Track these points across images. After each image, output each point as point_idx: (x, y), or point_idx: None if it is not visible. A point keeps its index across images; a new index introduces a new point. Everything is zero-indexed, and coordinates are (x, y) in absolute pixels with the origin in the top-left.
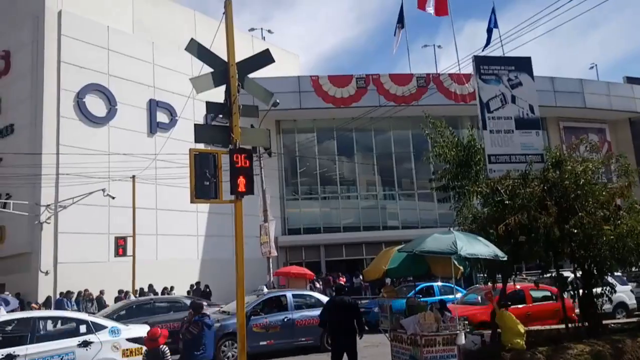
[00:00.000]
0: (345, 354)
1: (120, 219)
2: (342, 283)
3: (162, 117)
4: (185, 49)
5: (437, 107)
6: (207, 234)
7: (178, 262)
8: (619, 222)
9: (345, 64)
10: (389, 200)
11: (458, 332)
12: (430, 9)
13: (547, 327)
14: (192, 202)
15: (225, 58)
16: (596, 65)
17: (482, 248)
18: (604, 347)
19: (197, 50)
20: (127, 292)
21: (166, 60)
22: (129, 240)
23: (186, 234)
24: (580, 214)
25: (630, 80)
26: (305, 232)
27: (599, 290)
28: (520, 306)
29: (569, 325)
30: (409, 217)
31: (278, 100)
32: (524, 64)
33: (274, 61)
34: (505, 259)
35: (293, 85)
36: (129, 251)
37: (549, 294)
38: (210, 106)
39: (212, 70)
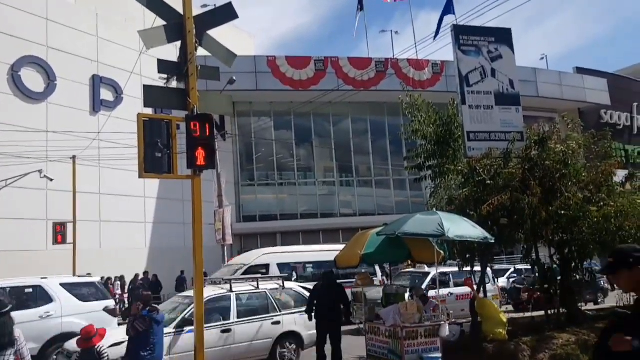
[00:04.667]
0: (329, 338)
1: (59, 204)
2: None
3: (106, 94)
4: None
5: (396, 93)
6: (155, 220)
7: (124, 251)
8: (602, 204)
9: (299, 50)
10: (347, 187)
11: (442, 322)
12: None
13: (527, 314)
14: (140, 176)
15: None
16: (546, 55)
17: (470, 230)
18: (589, 336)
19: None
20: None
21: (111, 34)
22: (69, 227)
23: (133, 220)
24: (567, 194)
25: (580, 70)
26: (261, 219)
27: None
28: None
29: (549, 312)
30: (366, 204)
31: (234, 78)
32: (504, 36)
33: (237, 17)
34: (494, 241)
35: (249, 65)
36: (69, 238)
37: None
38: (163, 65)
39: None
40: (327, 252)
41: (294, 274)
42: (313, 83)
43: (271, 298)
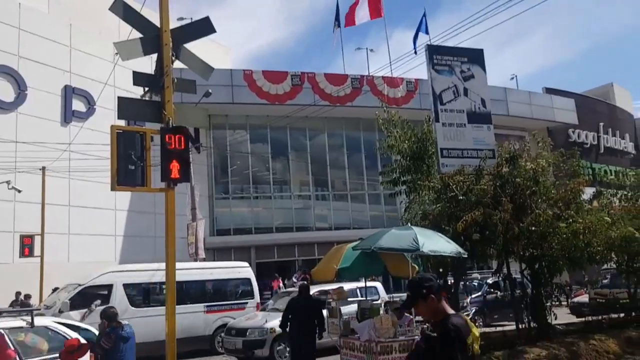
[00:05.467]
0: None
1: (27, 216)
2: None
3: (78, 105)
4: (110, 9)
5: (371, 109)
6: (126, 234)
7: (93, 264)
8: (570, 220)
9: (274, 65)
10: (322, 201)
11: (416, 337)
12: (365, 15)
13: (498, 329)
14: (113, 189)
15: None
16: (516, 76)
17: (444, 244)
18: (559, 350)
19: (123, 11)
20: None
21: (85, 45)
22: (37, 240)
23: (103, 233)
24: (537, 211)
25: (549, 90)
26: (236, 232)
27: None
28: None
29: (520, 326)
30: (341, 218)
31: (210, 91)
32: (476, 56)
33: (214, 31)
34: (466, 256)
35: (225, 78)
36: (37, 251)
37: None
38: (138, 77)
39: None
40: (192, 270)
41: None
42: (289, 97)
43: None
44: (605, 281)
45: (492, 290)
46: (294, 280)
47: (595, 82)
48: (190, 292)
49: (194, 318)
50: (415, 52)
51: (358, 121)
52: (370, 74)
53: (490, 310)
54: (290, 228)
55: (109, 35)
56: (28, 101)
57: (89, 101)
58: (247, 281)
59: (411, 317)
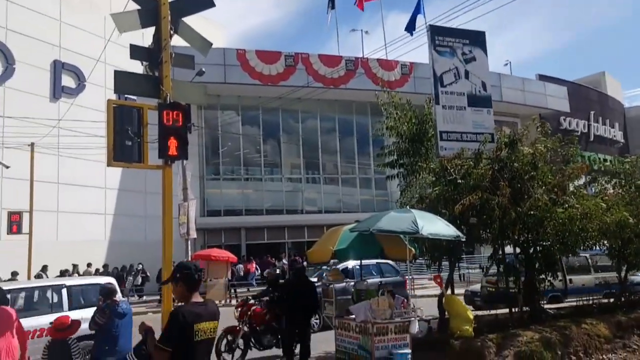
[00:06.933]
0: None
1: (15, 193)
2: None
3: (67, 80)
4: None
5: (364, 92)
6: (116, 212)
7: (82, 243)
8: (567, 205)
9: (266, 46)
10: (313, 184)
11: (412, 319)
12: None
13: (492, 312)
14: (109, 164)
15: None
16: (510, 62)
17: (443, 228)
18: (551, 333)
19: None
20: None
21: (76, 19)
22: (25, 217)
23: (92, 212)
24: (535, 195)
25: (542, 77)
26: (226, 214)
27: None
28: None
29: (512, 310)
30: (331, 202)
31: (204, 69)
32: (478, 38)
33: (214, 5)
34: (465, 239)
35: (218, 57)
36: (25, 229)
37: None
38: (136, 51)
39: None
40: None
41: None
42: (282, 78)
43: None
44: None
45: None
46: (284, 262)
47: (588, 70)
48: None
49: None
50: (411, 34)
51: (351, 104)
52: (365, 56)
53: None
54: (280, 210)
55: (99, 10)
56: (16, 75)
57: (79, 77)
58: None
59: (403, 298)
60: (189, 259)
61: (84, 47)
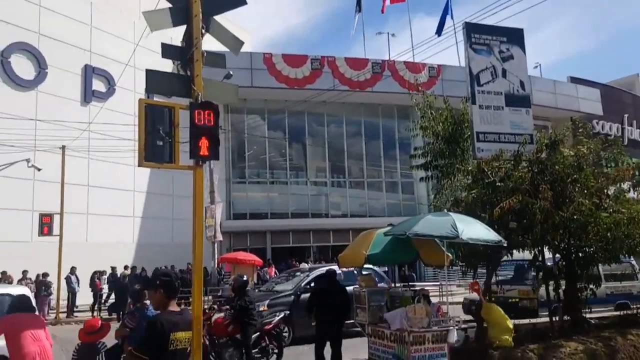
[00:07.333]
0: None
1: (46, 195)
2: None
3: (98, 85)
4: None
5: (391, 95)
6: (144, 215)
7: (111, 245)
8: (611, 210)
9: (291, 51)
10: (338, 188)
11: (450, 328)
12: None
13: (529, 320)
14: (140, 165)
15: None
16: (540, 64)
17: (483, 232)
18: (596, 345)
19: None
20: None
21: (106, 24)
22: (56, 219)
23: (121, 214)
24: (579, 199)
25: (574, 80)
26: (251, 217)
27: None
28: None
29: (553, 319)
30: (357, 206)
31: (231, 72)
32: (516, 36)
33: (245, 3)
34: (506, 245)
35: (245, 61)
36: (55, 230)
37: None
38: (167, 50)
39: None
40: None
41: None
42: (308, 82)
43: None
44: (509, 275)
45: None
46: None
47: (621, 72)
48: None
49: None
50: (439, 34)
51: (377, 107)
52: (392, 59)
53: None
54: (305, 214)
55: (129, 15)
56: (48, 79)
57: (109, 81)
58: None
59: (439, 304)
60: (216, 261)
61: (114, 52)
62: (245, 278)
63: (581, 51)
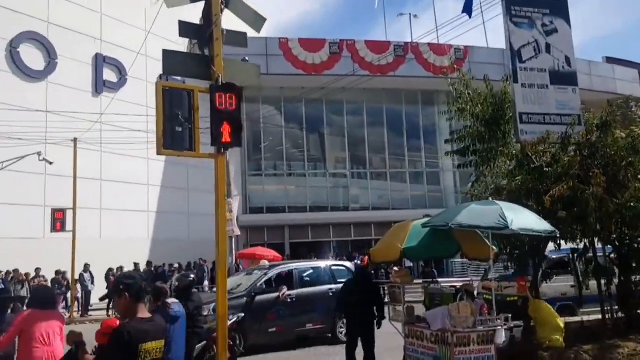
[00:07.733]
0: (360, 341)
1: (58, 189)
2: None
3: (109, 74)
4: None
5: (415, 80)
6: (159, 210)
7: (125, 241)
8: None
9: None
10: (358, 179)
11: (498, 328)
12: None
13: (580, 318)
14: (159, 153)
15: None
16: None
17: (534, 221)
18: None
19: None
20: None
21: (116, 11)
22: (69, 214)
23: (135, 209)
24: (636, 185)
25: (610, 60)
26: (268, 211)
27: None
28: None
29: (606, 317)
30: (379, 199)
31: (247, 58)
32: (560, 7)
33: None
34: (558, 235)
35: (260, 47)
36: (68, 226)
37: None
38: (184, 28)
39: None
40: None
41: None
42: (327, 67)
43: None
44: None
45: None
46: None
47: None
48: None
49: None
50: (470, 16)
51: (400, 93)
52: (415, 41)
53: None
54: (325, 207)
55: (139, 2)
56: (58, 70)
57: (121, 71)
58: None
59: (483, 303)
60: (233, 257)
61: (125, 40)
62: (191, 277)
63: (615, 30)
